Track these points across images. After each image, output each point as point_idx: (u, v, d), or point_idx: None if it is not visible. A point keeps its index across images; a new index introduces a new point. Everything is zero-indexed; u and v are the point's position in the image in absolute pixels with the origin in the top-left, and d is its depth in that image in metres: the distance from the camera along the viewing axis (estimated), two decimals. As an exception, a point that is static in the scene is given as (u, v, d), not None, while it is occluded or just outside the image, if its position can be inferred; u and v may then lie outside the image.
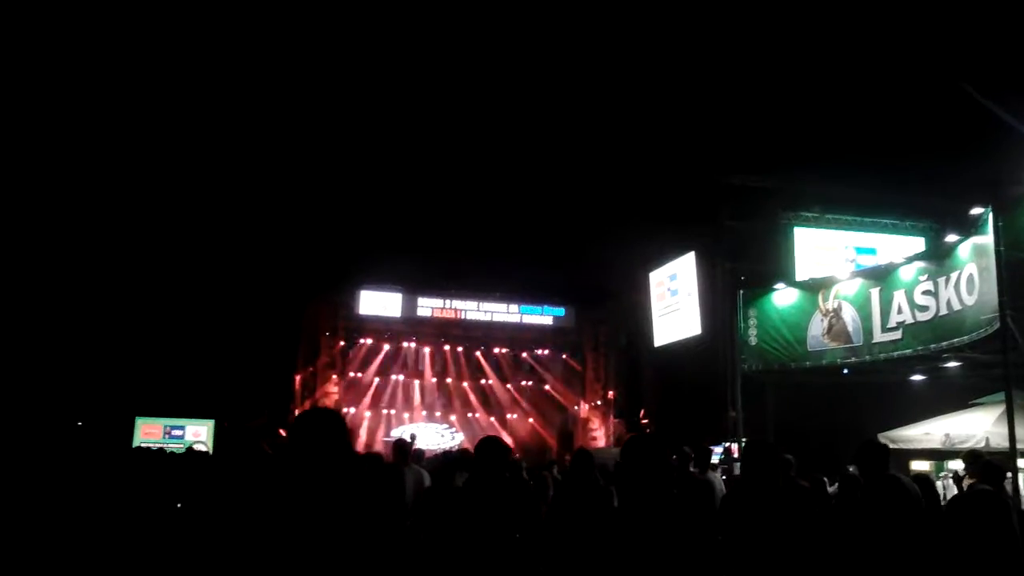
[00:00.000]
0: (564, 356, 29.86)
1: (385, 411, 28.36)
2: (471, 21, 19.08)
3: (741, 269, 19.80)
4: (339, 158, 25.10)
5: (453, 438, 27.84)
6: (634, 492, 3.59)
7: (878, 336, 15.83)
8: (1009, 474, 10.46)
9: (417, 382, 28.67)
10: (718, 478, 8.83)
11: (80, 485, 6.37)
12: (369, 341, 27.71)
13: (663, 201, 22.89)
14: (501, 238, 26.43)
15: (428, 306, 28.15)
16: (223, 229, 25.03)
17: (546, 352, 29.59)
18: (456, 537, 3.86)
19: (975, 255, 13.48)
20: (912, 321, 15.09)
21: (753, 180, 19.56)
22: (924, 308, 14.81)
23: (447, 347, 28.72)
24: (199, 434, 25.10)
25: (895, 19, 15.95)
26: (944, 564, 3.86)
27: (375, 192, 25.83)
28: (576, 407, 29.82)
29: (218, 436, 24.86)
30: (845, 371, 17.27)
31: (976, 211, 13.54)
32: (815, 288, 17.39)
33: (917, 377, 17.54)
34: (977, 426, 13.10)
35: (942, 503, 8.34)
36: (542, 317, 29.38)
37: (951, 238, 14.66)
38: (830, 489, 9.16)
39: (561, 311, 29.45)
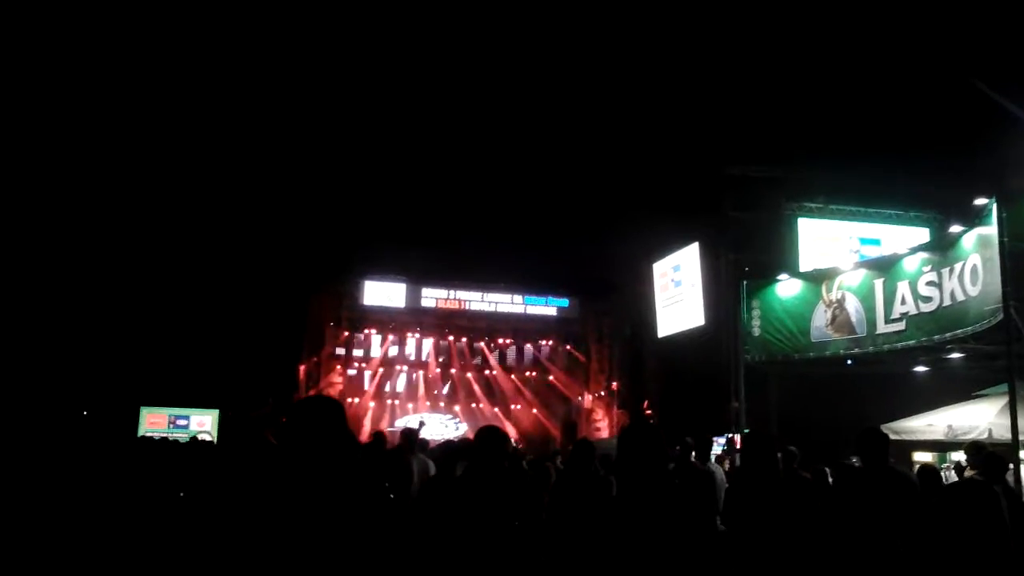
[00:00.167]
0: (568, 347, 29.87)
1: (389, 401, 28.40)
2: (477, 14, 19.04)
3: (745, 260, 19.75)
4: (345, 149, 25.12)
5: (457, 428, 27.83)
6: (631, 481, 3.60)
7: (881, 327, 15.81)
8: (1012, 465, 10.46)
9: (421, 372, 28.69)
10: (719, 469, 8.83)
11: (84, 474, 6.41)
12: (373, 331, 27.74)
13: (667, 192, 22.88)
14: (505, 229, 26.47)
15: (432, 297, 28.18)
16: (229, 220, 25.07)
17: (550, 343, 29.61)
18: (454, 525, 3.88)
19: (979, 246, 13.44)
20: (916, 312, 15.07)
21: (757, 170, 19.50)
22: (928, 299, 14.78)
23: (451, 337, 28.73)
24: (204, 424, 25.16)
25: (902, 11, 15.88)
26: (932, 553, 3.88)
27: (380, 183, 25.87)
28: (580, 398, 29.84)
29: (223, 426, 24.92)
30: (848, 362, 17.27)
31: (980, 202, 13.50)
32: (819, 279, 17.36)
33: (920, 368, 17.52)
34: (980, 417, 13.08)
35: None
36: (546, 308, 29.39)
37: (955, 229, 14.62)
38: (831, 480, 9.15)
39: (565, 302, 29.46)
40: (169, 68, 21.09)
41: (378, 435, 11.26)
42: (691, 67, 20.33)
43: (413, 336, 28.39)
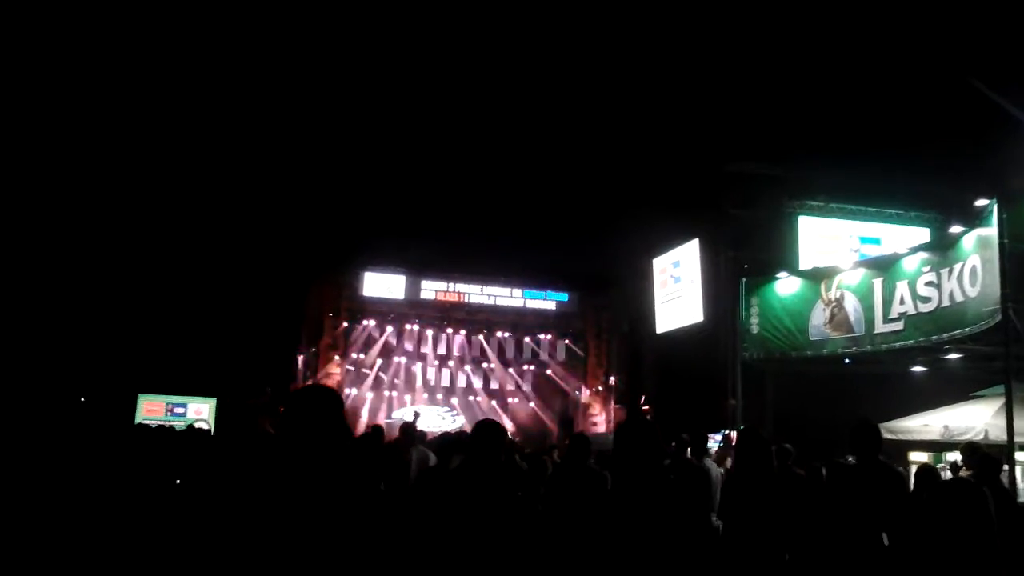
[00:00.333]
0: (566, 341, 29.87)
1: (387, 393, 28.42)
2: (477, 8, 19.00)
3: (744, 257, 19.78)
4: (347, 141, 25.09)
5: (454, 421, 27.88)
6: (627, 475, 3.62)
7: (880, 327, 15.83)
8: (1006, 467, 10.49)
9: (419, 364, 28.71)
10: (715, 465, 8.86)
11: (81, 460, 6.43)
12: (372, 323, 27.74)
13: (667, 188, 22.84)
14: (505, 223, 26.42)
15: (431, 289, 28.18)
16: (229, 208, 25.05)
17: (548, 337, 29.60)
18: (447, 517, 3.90)
19: (979, 247, 13.46)
20: (914, 312, 15.09)
21: (758, 168, 19.51)
22: (927, 299, 14.80)
23: (450, 330, 28.73)
24: (201, 412, 25.18)
25: (903, 10, 15.86)
26: (916, 550, 3.90)
27: (381, 173, 25.82)
28: (577, 392, 29.87)
29: (220, 414, 24.95)
30: (846, 361, 17.30)
31: (981, 203, 13.53)
32: (818, 277, 17.39)
33: (918, 368, 17.55)
34: (976, 418, 13.12)
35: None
36: (545, 302, 29.40)
37: (955, 229, 14.64)
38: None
39: (564, 296, 29.47)
40: (171, 59, 21.05)
41: (376, 428, 11.31)
42: (693, 63, 20.29)
43: (411, 328, 28.39)
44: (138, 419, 23.07)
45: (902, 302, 15.33)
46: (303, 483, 2.72)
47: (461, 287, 28.44)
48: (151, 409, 24.99)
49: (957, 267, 14.05)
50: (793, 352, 17.56)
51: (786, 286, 17.98)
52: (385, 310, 27.73)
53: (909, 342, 15.29)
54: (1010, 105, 13.96)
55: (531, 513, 4.92)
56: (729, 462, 13.78)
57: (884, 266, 16.13)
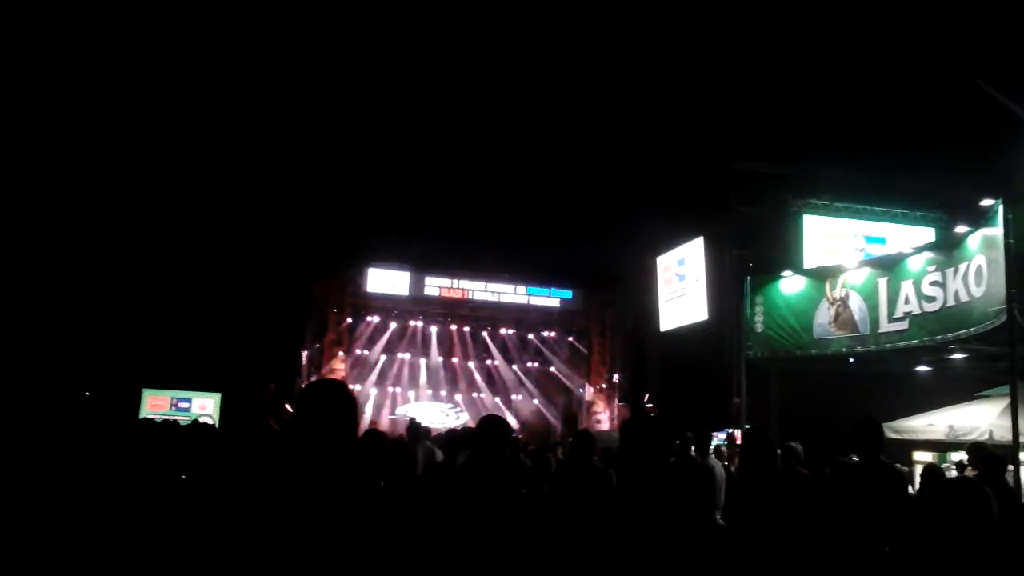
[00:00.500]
0: (570, 339, 29.89)
1: (391, 389, 28.46)
2: (482, 6, 18.99)
3: (749, 255, 19.74)
4: (352, 138, 25.12)
5: (458, 417, 27.90)
6: (631, 473, 3.62)
7: (884, 326, 15.79)
8: (1011, 467, 10.47)
9: (423, 361, 28.73)
10: (719, 464, 8.85)
11: (86, 455, 6.44)
12: (376, 319, 27.77)
13: (673, 186, 22.86)
14: (510, 220, 26.48)
15: (436, 285, 28.19)
16: (235, 204, 25.10)
17: (552, 334, 29.62)
18: (453, 513, 3.90)
19: (984, 247, 13.42)
20: (919, 312, 15.05)
21: (764, 166, 19.49)
22: (931, 299, 14.76)
23: (454, 327, 28.75)
24: (205, 407, 25.23)
25: (910, 11, 15.84)
26: (916, 549, 3.90)
27: (386, 170, 25.87)
28: (581, 390, 29.88)
29: (225, 409, 24.99)
30: (850, 360, 17.25)
31: (987, 203, 13.47)
32: (823, 276, 17.34)
33: (922, 368, 17.50)
34: (981, 418, 13.09)
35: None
36: (549, 299, 29.40)
37: (961, 229, 14.58)
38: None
39: (568, 294, 29.46)
40: (175, 57, 21.10)
41: (377, 433, 11.27)
42: (700, 62, 20.29)
43: (415, 324, 28.40)
44: (142, 414, 23.12)
45: (907, 302, 15.29)
46: (309, 479, 2.73)
47: (465, 284, 28.44)
48: (155, 404, 25.05)
49: (962, 267, 14.00)
50: (797, 351, 17.52)
51: (791, 285, 17.94)
52: (389, 306, 27.75)
53: (914, 342, 15.25)
54: (1016, 106, 13.93)
55: (535, 510, 4.93)
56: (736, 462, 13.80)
57: (889, 265, 16.09)
